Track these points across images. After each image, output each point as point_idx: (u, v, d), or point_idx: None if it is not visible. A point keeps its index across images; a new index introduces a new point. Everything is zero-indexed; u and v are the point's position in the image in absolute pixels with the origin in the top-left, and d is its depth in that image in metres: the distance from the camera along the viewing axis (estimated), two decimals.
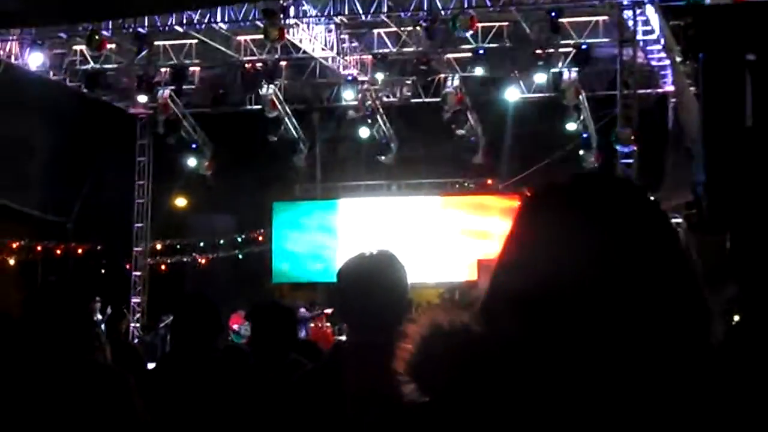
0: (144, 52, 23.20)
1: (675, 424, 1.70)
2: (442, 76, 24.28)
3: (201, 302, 6.00)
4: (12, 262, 29.38)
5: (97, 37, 21.77)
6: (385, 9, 21.58)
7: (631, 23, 20.93)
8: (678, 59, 21.75)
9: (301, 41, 22.37)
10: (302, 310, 24.00)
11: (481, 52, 22.64)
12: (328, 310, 25.52)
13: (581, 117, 24.06)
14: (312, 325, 24.98)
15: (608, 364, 1.71)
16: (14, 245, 29.17)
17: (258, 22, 21.39)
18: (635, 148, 21.54)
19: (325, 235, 27.77)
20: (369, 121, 25.87)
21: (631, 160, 21.78)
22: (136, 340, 26.45)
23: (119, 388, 4.60)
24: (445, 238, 26.36)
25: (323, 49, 23.03)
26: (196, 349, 5.68)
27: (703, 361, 1.75)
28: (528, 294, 1.77)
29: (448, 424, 1.81)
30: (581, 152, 24.81)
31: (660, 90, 24.20)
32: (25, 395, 4.52)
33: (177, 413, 5.44)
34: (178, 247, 30.51)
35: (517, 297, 1.79)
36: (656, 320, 1.73)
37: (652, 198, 1.87)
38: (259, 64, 23.79)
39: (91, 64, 24.08)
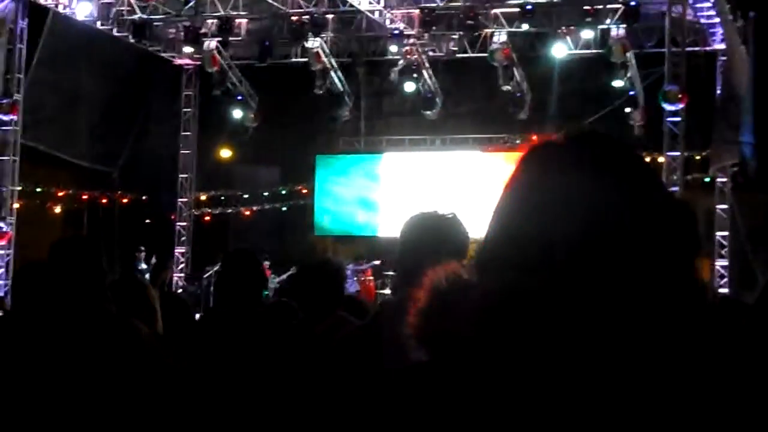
0: (191, 3, 23.28)
1: (671, 375, 1.71)
2: (489, 31, 24.13)
3: (246, 257, 6.02)
4: (58, 210, 29.63)
5: None
6: None
7: None
8: (729, 17, 21.54)
9: None
10: (350, 265, 24.14)
11: (529, 7, 22.50)
12: (376, 262, 25.66)
13: (628, 74, 23.85)
14: (355, 278, 25.13)
15: (601, 319, 1.71)
16: (60, 194, 29.39)
17: None
18: (682, 105, 21.35)
19: (368, 189, 27.78)
20: (414, 75, 25.80)
21: (678, 118, 21.60)
22: (179, 291, 26.70)
23: (129, 338, 4.69)
24: (487, 193, 26.26)
25: (370, 3, 22.95)
26: (241, 304, 5.72)
27: (696, 314, 1.75)
28: (520, 248, 1.77)
29: (445, 382, 1.82)
30: (627, 109, 24.63)
31: (709, 48, 23.90)
32: (32, 343, 4.64)
33: (220, 367, 5.49)
34: (222, 198, 30.61)
35: (509, 250, 1.80)
36: (649, 277, 1.72)
37: (639, 155, 1.87)
38: (305, 17, 23.75)
39: (139, 14, 24.12)
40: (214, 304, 7.02)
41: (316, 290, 6.24)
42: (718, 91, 22.98)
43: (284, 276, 24.83)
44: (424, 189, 26.51)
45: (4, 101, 22.44)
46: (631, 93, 24.21)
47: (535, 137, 26.75)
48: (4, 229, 22.57)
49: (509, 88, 25.13)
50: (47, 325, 4.69)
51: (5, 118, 22.59)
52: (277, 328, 5.70)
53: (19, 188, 23.91)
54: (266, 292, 23.67)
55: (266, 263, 24.98)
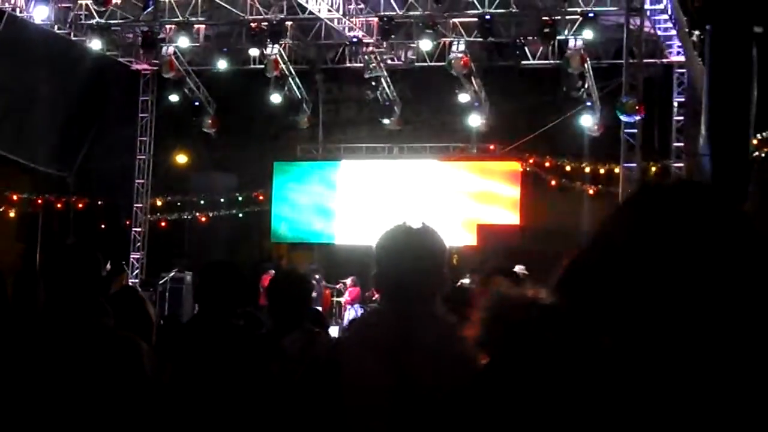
0: (150, 8, 23.12)
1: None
2: (448, 40, 24.20)
3: (227, 269, 6.05)
4: (12, 214, 29.34)
5: None
6: None
7: None
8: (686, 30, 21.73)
9: (307, 1, 22.24)
10: (317, 276, 24.08)
11: (488, 17, 22.58)
12: (348, 281, 25.61)
13: (586, 85, 23.98)
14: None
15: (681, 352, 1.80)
16: (15, 197, 29.10)
17: None
18: (639, 117, 21.49)
19: (325, 196, 27.75)
20: (373, 83, 25.83)
21: (635, 130, 21.74)
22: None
23: (128, 353, 4.62)
24: (445, 202, 26.32)
25: (329, 10, 22.93)
26: (218, 316, 5.74)
27: None
28: (615, 276, 1.87)
29: (513, 386, 1.90)
30: (583, 118, 24.72)
31: (666, 60, 24.13)
32: (33, 358, 4.53)
33: (193, 377, 5.49)
34: (179, 204, 30.46)
35: (606, 277, 1.89)
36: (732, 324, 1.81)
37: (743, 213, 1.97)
38: (264, 23, 23.71)
39: (97, 18, 23.99)
40: (194, 315, 6.99)
41: (285, 302, 6.26)
42: (676, 105, 23.28)
43: None
44: (381, 197, 26.53)
45: None
46: (588, 104, 24.33)
47: (492, 147, 26.95)
48: None
49: (467, 97, 25.18)
50: (42, 337, 4.61)
51: None
52: (249, 341, 5.73)
53: None
54: None
55: (272, 271, 24.96)
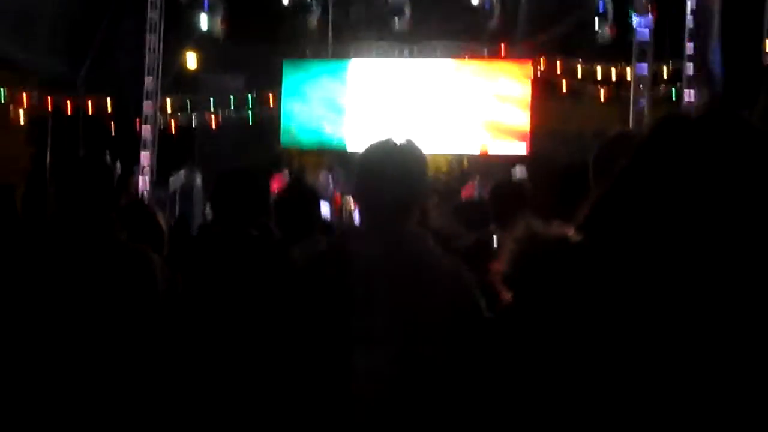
0: None
1: None
2: None
3: (247, 178, 6.01)
4: (22, 118, 29.23)
5: None
6: None
7: None
8: None
9: None
10: (330, 177, 24.13)
11: None
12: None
13: None
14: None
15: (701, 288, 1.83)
16: (23, 100, 28.96)
17: None
18: (652, 18, 21.27)
19: (336, 96, 27.58)
20: None
21: (647, 32, 21.52)
22: (145, 196, 26.64)
23: (141, 267, 4.62)
24: (456, 102, 26.20)
25: None
26: (235, 226, 5.75)
27: None
28: (642, 215, 1.92)
29: (541, 324, 1.93)
30: (597, 21, 24.42)
31: None
32: (45, 273, 4.54)
33: (206, 289, 5.51)
34: (189, 104, 30.32)
35: (633, 216, 1.94)
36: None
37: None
38: None
39: None
40: (209, 223, 7.01)
41: (294, 215, 6.28)
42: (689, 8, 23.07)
43: None
44: (393, 98, 26.41)
45: None
46: (600, 5, 24.03)
47: (503, 47, 26.71)
48: None
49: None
50: (54, 252, 4.60)
51: None
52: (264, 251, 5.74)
53: None
54: None
55: (286, 171, 25.01)
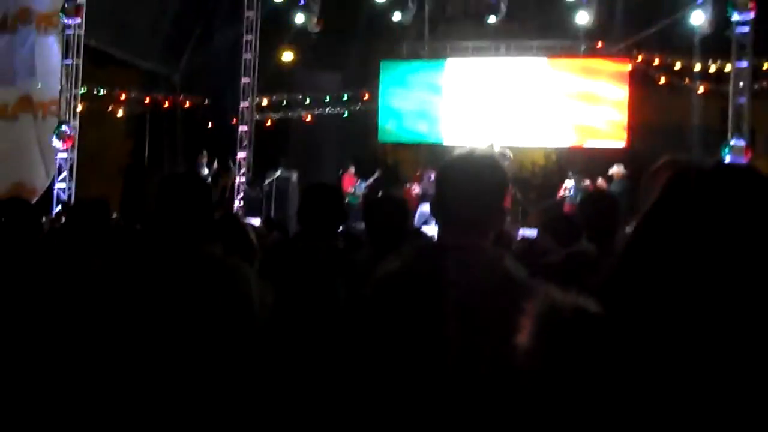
0: None
1: None
2: None
3: (327, 191, 6.15)
4: (120, 113, 29.72)
5: None
6: None
7: None
8: None
9: None
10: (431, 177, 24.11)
11: None
12: None
13: None
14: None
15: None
16: (122, 96, 29.43)
17: None
18: (752, 14, 20.95)
19: (432, 95, 27.63)
20: None
21: (746, 28, 21.19)
22: (241, 194, 26.91)
23: (234, 281, 4.61)
24: (550, 101, 26.07)
25: None
26: (319, 237, 5.85)
27: None
28: (658, 284, 1.89)
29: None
30: (694, 15, 24.09)
31: None
32: (145, 287, 4.56)
33: (294, 302, 5.56)
34: (284, 102, 30.56)
35: (647, 286, 1.91)
36: None
37: None
38: None
39: None
40: (294, 235, 7.06)
41: (383, 226, 6.30)
42: None
43: (371, 180, 24.99)
44: (488, 97, 26.41)
45: (69, 4, 22.51)
46: (699, 1, 23.69)
47: (600, 45, 26.47)
48: (68, 132, 22.71)
49: None
50: (152, 266, 4.64)
51: (70, 21, 22.67)
52: (346, 262, 5.81)
53: (83, 90, 24.01)
54: (355, 199, 23.91)
55: (352, 169, 25.14)
